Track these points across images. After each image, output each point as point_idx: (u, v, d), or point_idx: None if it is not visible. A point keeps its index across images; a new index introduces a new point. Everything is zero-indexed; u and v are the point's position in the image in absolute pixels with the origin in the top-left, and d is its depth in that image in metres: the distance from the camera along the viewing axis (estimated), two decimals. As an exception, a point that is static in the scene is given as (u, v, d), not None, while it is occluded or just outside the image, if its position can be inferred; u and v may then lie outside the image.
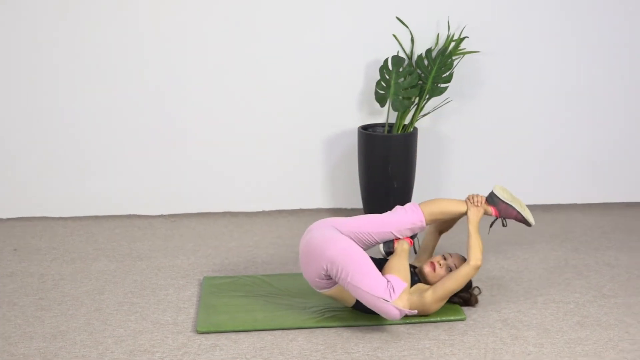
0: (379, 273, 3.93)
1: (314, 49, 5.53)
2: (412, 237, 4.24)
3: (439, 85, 5.42)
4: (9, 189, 5.63)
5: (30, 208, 5.66)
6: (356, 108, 5.64)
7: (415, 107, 5.49)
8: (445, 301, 4.08)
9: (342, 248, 3.96)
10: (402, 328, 4.02)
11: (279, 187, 5.74)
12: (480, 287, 4.37)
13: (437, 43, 5.49)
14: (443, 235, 4.61)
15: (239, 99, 5.59)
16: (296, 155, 5.69)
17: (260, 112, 5.62)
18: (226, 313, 4.14)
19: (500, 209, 4.30)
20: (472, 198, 4.29)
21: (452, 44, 5.41)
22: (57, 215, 5.69)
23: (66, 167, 5.60)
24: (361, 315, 4.08)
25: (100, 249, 5.12)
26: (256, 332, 3.98)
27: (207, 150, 5.65)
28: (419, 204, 4.25)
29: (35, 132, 5.55)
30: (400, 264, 4.01)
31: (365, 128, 5.51)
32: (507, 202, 4.29)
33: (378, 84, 5.42)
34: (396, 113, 5.51)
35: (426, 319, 4.06)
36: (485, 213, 4.30)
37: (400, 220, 4.20)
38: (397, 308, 3.85)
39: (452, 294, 4.07)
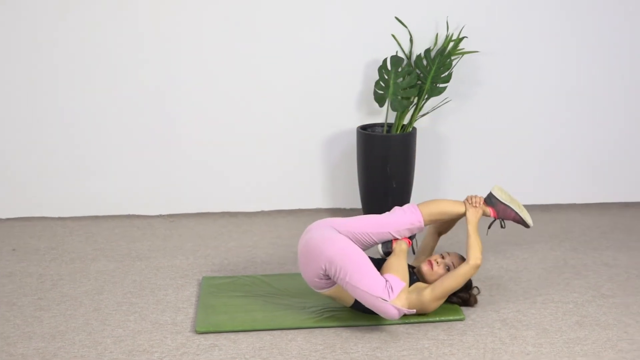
0: (378, 273, 3.93)
1: (313, 49, 5.53)
2: (411, 237, 4.25)
3: (437, 85, 5.43)
4: (8, 189, 5.63)
5: (29, 208, 5.66)
6: (355, 108, 5.64)
7: (414, 107, 5.49)
8: (443, 300, 4.08)
9: (340, 248, 3.96)
10: (401, 328, 4.02)
11: (278, 187, 5.74)
12: (479, 287, 4.38)
13: (435, 43, 5.49)
14: (442, 236, 4.61)
15: (238, 99, 5.59)
16: (295, 155, 5.69)
17: (259, 112, 5.62)
18: (225, 313, 4.14)
19: (498, 210, 4.31)
20: (471, 199, 4.30)
21: (451, 44, 5.42)
22: (56, 215, 5.68)
23: (65, 167, 5.60)
24: (360, 315, 4.08)
25: (99, 249, 5.12)
26: (255, 332, 3.98)
27: (206, 150, 5.65)
28: (418, 205, 4.25)
29: (35, 132, 5.54)
30: (398, 263, 4.01)
31: (364, 128, 5.51)
32: (506, 203, 4.29)
33: (377, 84, 5.42)
34: (395, 113, 5.51)
35: (425, 319, 4.06)
36: (484, 214, 4.30)
37: (398, 220, 4.20)
38: (395, 307, 3.85)
39: (451, 292, 4.08)
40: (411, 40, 5.50)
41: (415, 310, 3.97)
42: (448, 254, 4.23)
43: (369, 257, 4.06)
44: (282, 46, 5.52)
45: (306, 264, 4.04)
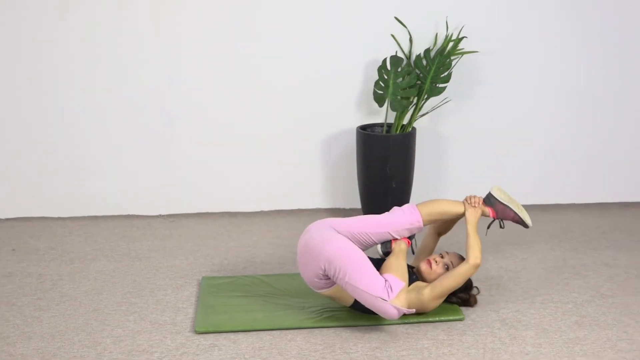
0: (377, 272, 3.93)
1: (313, 49, 5.53)
2: (410, 237, 4.25)
3: (437, 85, 5.43)
4: (7, 189, 5.63)
5: (29, 208, 5.66)
6: (355, 108, 5.64)
7: (414, 107, 5.49)
8: (443, 299, 4.08)
9: (339, 248, 3.96)
10: (400, 328, 4.02)
11: (277, 187, 5.74)
12: (478, 287, 4.38)
13: (435, 43, 5.49)
14: (442, 237, 4.60)
15: (237, 99, 5.59)
16: (295, 155, 5.69)
17: (259, 112, 5.62)
18: (225, 313, 4.14)
19: (497, 210, 4.31)
20: (470, 199, 4.30)
21: (451, 44, 5.42)
22: (56, 215, 5.69)
23: (65, 167, 5.61)
24: (360, 315, 4.08)
25: (99, 249, 5.12)
26: (255, 332, 3.98)
27: (206, 150, 5.65)
28: (417, 205, 4.25)
29: (34, 132, 5.55)
30: (398, 263, 4.01)
31: (363, 128, 5.51)
32: (505, 203, 4.29)
33: (376, 84, 5.42)
34: (395, 113, 5.51)
35: (424, 319, 4.06)
36: (483, 214, 4.30)
37: (397, 220, 4.20)
38: (395, 307, 3.85)
39: (451, 291, 4.07)
40: (411, 40, 5.50)
41: (414, 309, 3.97)
42: (447, 253, 4.23)
43: (368, 257, 4.06)
44: (282, 46, 5.52)
45: (305, 264, 4.05)
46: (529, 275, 4.67)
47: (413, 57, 5.52)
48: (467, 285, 4.23)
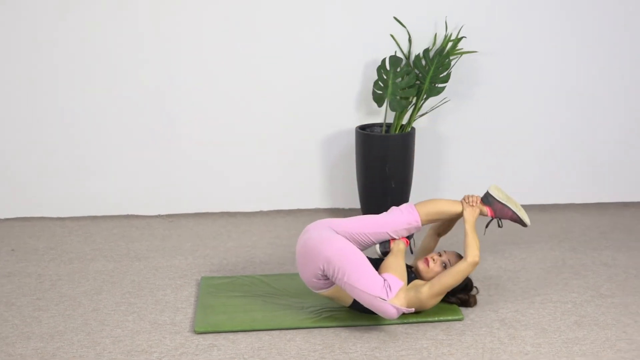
0: (376, 272, 3.93)
1: (312, 49, 5.53)
2: (409, 237, 4.25)
3: (436, 85, 5.43)
4: (6, 189, 5.63)
5: (28, 208, 5.66)
6: (354, 108, 5.64)
7: (413, 107, 5.49)
8: (441, 297, 4.08)
9: (338, 248, 3.96)
10: (400, 328, 4.02)
11: (276, 187, 5.74)
12: (478, 287, 4.38)
13: (434, 43, 5.49)
14: (442, 237, 4.60)
15: (237, 99, 5.59)
16: (294, 156, 5.69)
17: (258, 112, 5.62)
18: (224, 313, 4.14)
19: (495, 209, 4.31)
20: (468, 198, 4.30)
21: (450, 44, 5.42)
22: (55, 216, 5.69)
23: (65, 167, 5.61)
24: (359, 315, 4.08)
25: (98, 249, 5.12)
26: (254, 332, 3.98)
27: (205, 150, 5.65)
28: (415, 205, 4.25)
29: (34, 132, 5.55)
30: (396, 263, 4.01)
31: (363, 128, 5.51)
32: (503, 202, 4.29)
33: (376, 84, 5.42)
34: (394, 113, 5.51)
35: (424, 319, 4.06)
36: (481, 213, 4.30)
37: (396, 220, 4.20)
38: (394, 306, 3.85)
39: (449, 289, 4.07)
40: (410, 40, 5.50)
41: (413, 309, 3.97)
42: (445, 252, 4.23)
43: (367, 257, 4.06)
44: (282, 46, 5.52)
45: (304, 264, 4.05)
46: (528, 275, 4.67)
47: (412, 57, 5.52)
48: (467, 286, 4.23)
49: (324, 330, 4.01)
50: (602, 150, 5.82)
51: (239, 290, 4.44)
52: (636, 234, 5.33)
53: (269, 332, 3.99)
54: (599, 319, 4.11)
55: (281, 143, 5.67)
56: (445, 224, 4.43)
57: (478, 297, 4.31)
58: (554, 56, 5.66)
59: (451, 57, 5.44)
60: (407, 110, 5.46)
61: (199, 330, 3.97)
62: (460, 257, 4.20)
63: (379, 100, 5.42)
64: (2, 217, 5.68)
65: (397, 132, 5.45)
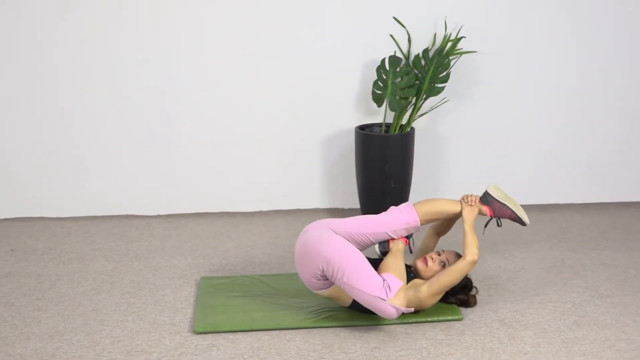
0: (375, 272, 3.93)
1: (312, 49, 5.53)
2: (408, 237, 4.25)
3: (435, 85, 5.43)
4: (6, 189, 5.63)
5: (27, 208, 5.66)
6: (353, 108, 5.64)
7: (412, 107, 5.49)
8: (441, 296, 4.08)
9: (337, 248, 3.96)
10: (399, 328, 4.02)
11: (276, 187, 5.74)
12: (477, 286, 4.38)
13: (434, 43, 5.49)
14: (441, 237, 4.60)
15: (237, 99, 5.59)
16: (293, 155, 5.69)
17: (258, 112, 5.62)
18: (223, 313, 4.14)
19: (494, 209, 4.31)
20: (467, 198, 4.30)
21: (449, 44, 5.42)
22: (55, 216, 5.68)
23: (65, 167, 5.61)
24: (358, 315, 4.08)
25: (98, 249, 5.13)
26: (253, 332, 3.98)
27: (205, 150, 5.65)
28: (414, 204, 4.26)
29: (33, 132, 5.55)
30: (395, 262, 4.01)
31: (362, 128, 5.51)
32: (501, 201, 4.29)
33: (375, 84, 5.42)
34: (393, 113, 5.51)
35: (423, 319, 4.06)
36: (480, 213, 4.30)
37: (395, 220, 4.20)
38: (393, 306, 3.85)
39: (448, 288, 4.07)
40: (409, 40, 5.50)
41: (413, 309, 3.97)
42: (443, 251, 4.24)
43: (366, 257, 4.06)
44: (282, 46, 5.52)
45: (303, 265, 4.05)
46: (527, 275, 4.67)
47: (412, 57, 5.52)
48: (467, 286, 4.23)
49: (324, 330, 4.01)
50: (601, 150, 5.82)
51: (238, 290, 4.44)
52: (635, 233, 5.33)
53: (268, 332, 3.99)
54: (598, 318, 4.11)
55: (280, 143, 5.67)
56: (445, 224, 4.43)
57: (477, 297, 4.31)
58: (554, 56, 5.66)
59: (451, 57, 5.44)
60: (406, 110, 5.46)
61: (199, 330, 3.97)
62: (459, 256, 4.20)
63: (378, 100, 5.42)
64: (2, 217, 5.68)
65: (396, 132, 5.45)
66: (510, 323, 4.06)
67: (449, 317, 4.09)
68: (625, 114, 5.79)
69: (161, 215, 5.72)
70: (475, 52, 5.53)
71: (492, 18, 5.55)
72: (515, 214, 4.30)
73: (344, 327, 4.03)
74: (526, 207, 5.56)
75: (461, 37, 5.40)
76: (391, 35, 5.49)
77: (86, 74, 5.47)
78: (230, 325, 4.02)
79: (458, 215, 4.29)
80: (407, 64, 5.46)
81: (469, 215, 4.22)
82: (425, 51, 5.42)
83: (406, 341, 3.89)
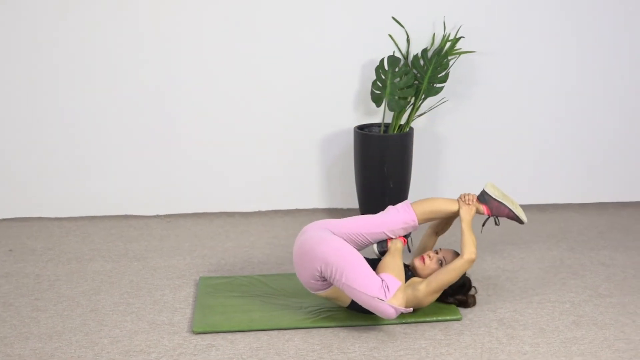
0: (373, 272, 3.93)
1: (311, 49, 5.54)
2: (406, 236, 4.25)
3: (434, 85, 5.43)
4: (5, 189, 5.62)
5: (26, 208, 5.66)
6: (352, 108, 5.64)
7: (411, 107, 5.49)
8: (438, 294, 4.08)
9: (335, 249, 3.96)
10: (398, 328, 4.02)
11: (275, 187, 5.74)
12: (476, 286, 4.38)
13: (432, 43, 5.49)
14: (440, 237, 4.60)
15: (236, 99, 5.59)
16: (292, 155, 5.69)
17: (257, 112, 5.62)
18: (222, 313, 4.14)
19: (492, 207, 4.31)
20: (464, 197, 4.30)
21: (448, 44, 5.42)
22: (53, 216, 5.68)
23: (63, 167, 5.61)
24: (357, 315, 4.08)
25: (96, 249, 5.12)
26: (252, 332, 3.98)
27: (204, 150, 5.65)
28: (411, 204, 4.26)
29: (33, 132, 5.55)
30: (394, 262, 4.01)
31: (361, 128, 5.51)
32: (499, 200, 4.29)
33: (374, 84, 5.42)
34: (392, 113, 5.51)
35: (422, 319, 4.06)
36: (478, 212, 4.30)
37: (392, 220, 4.20)
38: (392, 306, 3.85)
39: (446, 286, 4.07)
40: (408, 40, 5.50)
41: (412, 309, 3.97)
42: (441, 249, 4.24)
43: (364, 257, 4.06)
44: (282, 46, 5.52)
45: (302, 265, 4.04)
46: (526, 275, 4.67)
47: (410, 57, 5.52)
48: (465, 285, 4.22)
49: (323, 330, 4.01)
50: (600, 150, 5.82)
51: (237, 290, 4.44)
52: (634, 233, 5.33)
53: (267, 332, 3.99)
54: (597, 318, 4.11)
55: (279, 143, 5.67)
56: (443, 223, 4.43)
57: (477, 297, 4.31)
58: (553, 56, 5.66)
59: (449, 57, 5.44)
60: (405, 110, 5.46)
61: (197, 331, 3.97)
62: (456, 254, 4.20)
63: (377, 100, 5.42)
64: (0, 217, 5.68)
65: (395, 132, 5.45)
66: (509, 323, 4.06)
67: (448, 317, 4.09)
68: (624, 114, 5.79)
69: (160, 215, 5.72)
70: (474, 52, 5.53)
71: (491, 18, 5.56)
72: (513, 212, 4.30)
73: (343, 327, 4.03)
74: (525, 207, 5.56)
75: (460, 37, 5.40)
76: (390, 35, 5.49)
77: (86, 74, 5.48)
78: (229, 325, 4.02)
79: (456, 214, 4.29)
80: (406, 64, 5.46)
81: (467, 214, 4.22)
82: (424, 51, 5.42)
83: (405, 341, 3.89)
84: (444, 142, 5.73)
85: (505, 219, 4.45)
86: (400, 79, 5.36)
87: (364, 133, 5.38)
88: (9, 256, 5.02)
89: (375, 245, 4.22)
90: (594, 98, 5.74)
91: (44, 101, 5.50)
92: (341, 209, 5.80)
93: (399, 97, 5.36)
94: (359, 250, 4.17)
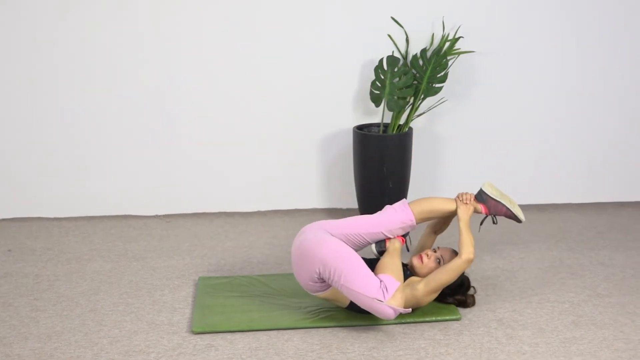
0: (372, 274, 3.93)
1: (310, 49, 5.54)
2: (404, 235, 4.25)
3: (433, 85, 5.43)
4: (4, 190, 5.62)
5: (25, 208, 5.66)
6: (351, 108, 5.64)
7: (410, 107, 5.49)
8: (437, 294, 4.08)
9: (334, 250, 3.96)
10: (397, 328, 4.02)
11: (274, 187, 5.74)
12: (475, 286, 4.38)
13: (432, 43, 5.49)
14: (439, 236, 4.60)
15: (236, 99, 5.59)
16: (291, 155, 5.69)
17: (256, 112, 5.62)
18: (221, 313, 4.14)
19: (489, 206, 4.31)
20: (462, 196, 4.30)
21: (447, 44, 5.42)
22: (53, 216, 5.69)
23: (63, 167, 5.60)
24: (356, 315, 4.08)
25: (96, 249, 5.13)
26: (252, 333, 3.98)
27: (203, 150, 5.65)
28: (409, 203, 4.25)
29: (33, 132, 5.55)
30: (392, 262, 4.01)
31: (360, 128, 5.51)
32: (496, 198, 4.29)
33: (373, 84, 5.42)
34: (391, 113, 5.51)
35: (421, 319, 4.06)
36: (475, 211, 4.30)
37: (390, 220, 4.20)
38: (391, 307, 3.85)
39: (444, 286, 4.07)
40: (407, 40, 5.50)
41: (410, 309, 3.97)
42: (439, 248, 4.23)
43: (363, 257, 4.06)
44: (282, 46, 5.52)
45: (300, 266, 4.04)
46: (525, 275, 4.67)
47: (409, 57, 5.52)
48: (463, 284, 4.22)
49: (322, 330, 4.01)
50: (599, 150, 5.82)
51: (236, 290, 4.44)
52: (633, 233, 5.33)
53: (266, 332, 3.99)
54: (597, 318, 4.11)
55: (278, 143, 5.67)
56: (441, 222, 4.43)
57: (476, 297, 4.31)
58: (553, 56, 5.66)
59: (448, 57, 5.44)
60: (404, 110, 5.46)
61: (197, 331, 3.97)
62: (455, 253, 4.20)
63: (376, 100, 5.42)
64: (0, 217, 5.68)
65: (394, 132, 5.45)
66: (508, 323, 4.06)
67: (447, 317, 4.09)
68: (624, 114, 5.79)
69: (159, 215, 5.72)
70: (473, 52, 5.53)
71: (490, 18, 5.55)
72: (511, 211, 4.30)
73: (342, 327, 4.03)
74: (524, 207, 5.56)
75: (459, 37, 5.40)
76: (389, 35, 5.49)
77: (86, 74, 5.48)
78: (228, 326, 4.02)
79: (453, 214, 4.29)
80: (405, 64, 5.46)
81: (464, 213, 4.22)
82: (423, 51, 5.42)
83: (404, 341, 3.89)
84: (443, 142, 5.73)
85: (504, 219, 4.45)
86: (400, 79, 5.36)
87: (363, 133, 5.38)
88: (8, 256, 5.02)
89: (373, 245, 4.21)
90: (594, 98, 5.74)
91: (44, 101, 5.50)
92: (340, 209, 5.80)
93: (398, 97, 5.36)
94: (357, 250, 4.17)
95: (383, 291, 3.86)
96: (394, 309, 3.86)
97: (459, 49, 5.47)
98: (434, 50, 5.40)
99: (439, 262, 4.15)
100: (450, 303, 4.20)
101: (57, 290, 4.50)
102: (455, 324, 4.06)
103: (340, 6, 5.49)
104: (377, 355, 3.75)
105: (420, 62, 5.45)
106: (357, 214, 5.42)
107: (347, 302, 4.03)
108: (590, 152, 5.82)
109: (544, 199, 5.88)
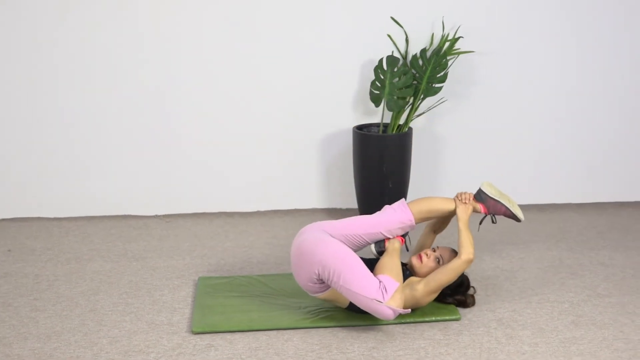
0: (371, 274, 3.93)
1: (310, 49, 5.54)
2: (403, 235, 4.25)
3: (433, 85, 5.43)
4: (4, 190, 5.62)
5: (25, 208, 5.66)
6: (351, 108, 5.64)
7: (410, 107, 5.49)
8: (436, 294, 4.07)
9: (333, 251, 3.96)
10: (397, 328, 4.02)
11: (274, 187, 5.74)
12: (475, 286, 4.38)
13: (431, 43, 5.49)
14: (438, 235, 4.60)
15: (236, 99, 5.59)
16: (291, 155, 5.69)
17: (256, 112, 5.62)
18: (221, 313, 4.14)
19: (488, 206, 4.30)
20: (460, 195, 4.30)
21: (447, 44, 5.42)
22: (53, 216, 5.69)
23: (63, 167, 5.61)
24: (356, 315, 4.08)
25: (95, 249, 5.13)
26: (251, 333, 3.98)
27: (203, 150, 5.65)
28: (408, 203, 4.25)
29: (33, 132, 5.55)
30: (391, 262, 4.01)
31: (360, 128, 5.51)
32: (495, 198, 4.29)
33: (373, 84, 5.42)
34: (391, 113, 5.51)
35: (421, 319, 4.06)
36: (474, 210, 4.29)
37: (389, 220, 4.20)
38: (390, 308, 3.85)
39: (444, 286, 4.07)
40: (407, 40, 5.50)
41: (410, 310, 3.96)
42: (438, 247, 4.23)
43: (362, 257, 4.06)
44: (282, 46, 5.52)
45: (299, 267, 4.04)
46: (525, 274, 4.67)
47: (409, 57, 5.52)
48: (463, 284, 4.22)
49: (322, 330, 4.01)
50: (599, 150, 5.82)
51: (236, 290, 4.44)
52: (633, 233, 5.33)
53: (266, 332, 3.99)
54: (596, 318, 4.11)
55: (278, 143, 5.67)
56: (441, 222, 4.43)
57: (475, 297, 4.31)
58: (553, 56, 5.66)
59: (448, 57, 5.44)
60: (404, 110, 5.46)
61: (196, 331, 3.98)
62: (454, 252, 4.20)
63: (376, 100, 5.42)
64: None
65: (394, 132, 5.45)
66: (508, 323, 4.06)
67: (447, 317, 4.09)
68: (624, 114, 5.79)
69: (159, 215, 5.72)
70: (472, 52, 5.53)
71: (490, 18, 5.55)
72: (510, 210, 4.30)
73: (342, 327, 4.03)
74: (524, 207, 5.56)
75: (459, 37, 5.40)
76: (389, 35, 5.50)
77: (86, 74, 5.48)
78: (228, 326, 4.02)
79: (452, 213, 4.29)
80: (404, 64, 5.46)
81: (463, 213, 4.22)
82: (423, 51, 5.42)
83: (404, 341, 3.89)
84: (442, 142, 5.73)
85: (504, 219, 4.45)
86: (399, 79, 5.36)
87: (363, 133, 5.38)
88: (8, 256, 5.02)
89: (372, 246, 4.21)
90: (594, 98, 5.74)
91: (44, 101, 5.50)
92: (340, 209, 5.80)
93: (398, 97, 5.36)
94: (357, 251, 4.17)
95: (382, 292, 3.85)
96: (394, 310, 3.85)
97: (459, 49, 5.47)
98: (434, 50, 5.40)
99: (439, 262, 4.15)
100: (450, 303, 4.20)
101: (57, 290, 4.50)
102: (455, 324, 4.06)
103: (340, 6, 5.49)
104: (377, 355, 3.75)
105: (420, 62, 5.45)
106: (357, 214, 5.43)
107: (347, 303, 4.03)
108: (590, 152, 5.82)
109: (544, 199, 5.88)
